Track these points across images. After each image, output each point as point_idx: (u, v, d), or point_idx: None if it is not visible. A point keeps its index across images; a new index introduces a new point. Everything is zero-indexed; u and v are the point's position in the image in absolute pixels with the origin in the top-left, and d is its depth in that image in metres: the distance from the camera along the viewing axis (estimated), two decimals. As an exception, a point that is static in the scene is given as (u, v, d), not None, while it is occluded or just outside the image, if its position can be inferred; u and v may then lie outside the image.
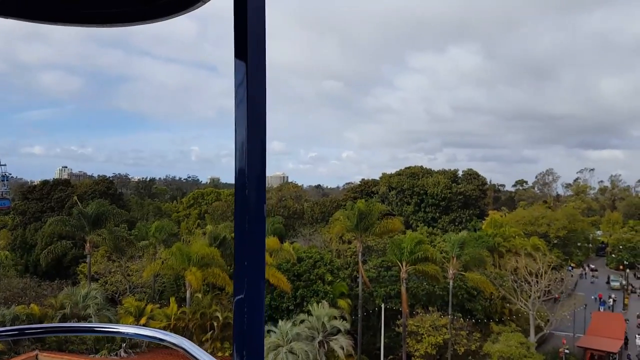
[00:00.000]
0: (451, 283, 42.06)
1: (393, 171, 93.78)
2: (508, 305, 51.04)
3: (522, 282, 45.45)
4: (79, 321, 38.31)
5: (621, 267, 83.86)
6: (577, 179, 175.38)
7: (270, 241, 41.32)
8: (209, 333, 38.00)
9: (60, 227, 52.95)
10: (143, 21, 1.57)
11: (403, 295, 41.81)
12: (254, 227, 1.19)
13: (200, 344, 40.53)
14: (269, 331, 36.96)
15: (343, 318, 40.39)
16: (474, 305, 49.15)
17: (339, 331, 38.63)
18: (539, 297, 44.33)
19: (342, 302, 43.70)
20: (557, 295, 48.25)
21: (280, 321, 37.49)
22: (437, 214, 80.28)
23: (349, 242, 56.61)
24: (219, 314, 39.71)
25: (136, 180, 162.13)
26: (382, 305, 43.80)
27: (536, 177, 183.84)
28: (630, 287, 75.23)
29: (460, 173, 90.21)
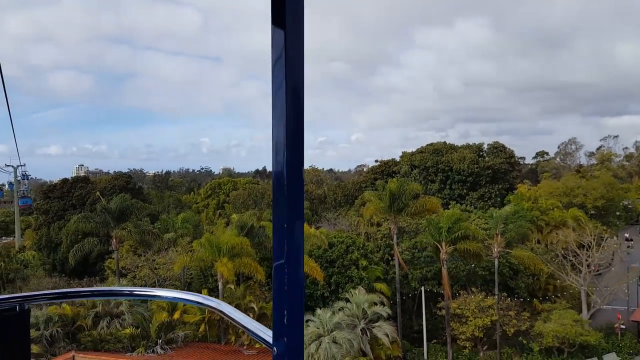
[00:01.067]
0: (496, 261, 39.91)
1: (408, 150, 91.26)
2: (552, 281, 48.82)
3: (570, 256, 43.07)
4: (112, 320, 37.32)
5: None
6: (600, 146, 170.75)
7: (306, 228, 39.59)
8: (246, 325, 36.65)
9: (85, 224, 51.96)
10: None
11: (444, 276, 39.83)
12: (293, 216, 1.19)
13: (237, 336, 39.30)
14: (307, 321, 35.43)
15: (382, 303, 38.69)
16: (517, 282, 47.12)
17: (379, 317, 36.95)
18: (590, 272, 41.97)
19: (380, 286, 41.92)
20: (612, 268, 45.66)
21: (318, 309, 35.88)
22: (465, 191, 77.66)
23: (378, 225, 54.64)
24: (254, 305, 38.32)
25: (152, 174, 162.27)
26: (422, 288, 41.93)
27: (558, 147, 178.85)
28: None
29: (485, 147, 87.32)
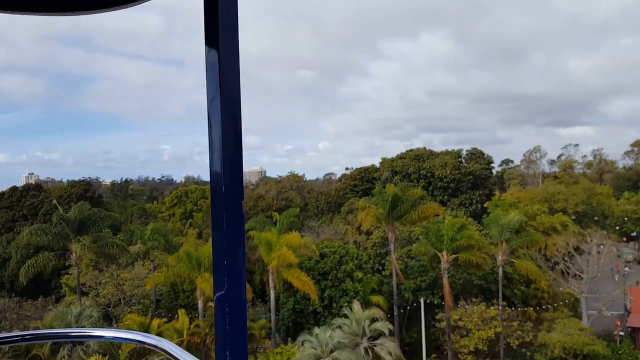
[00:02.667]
0: (500, 270, 37.41)
1: (386, 157, 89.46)
2: (546, 288, 46.93)
3: (569, 262, 41.19)
4: (74, 347, 32.20)
5: (624, 239, 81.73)
6: (560, 155, 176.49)
7: (292, 237, 35.68)
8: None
9: (39, 237, 45.97)
10: (107, 8, 1.50)
11: (446, 287, 36.95)
12: (232, 221, 1.15)
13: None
14: (303, 341, 31.63)
15: (380, 318, 35.34)
16: (513, 291, 44.95)
17: (379, 334, 33.54)
18: (591, 278, 40.17)
19: (377, 299, 38.61)
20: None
21: (316, 329, 32.08)
22: (446, 197, 75.80)
23: (368, 233, 51.44)
24: (240, 325, 34.05)
25: (109, 182, 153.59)
26: (422, 300, 38.88)
27: (524, 155, 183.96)
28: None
29: (464, 153, 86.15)
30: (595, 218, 70.43)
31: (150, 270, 43.82)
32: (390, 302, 40.53)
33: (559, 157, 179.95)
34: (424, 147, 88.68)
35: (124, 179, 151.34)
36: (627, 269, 70.78)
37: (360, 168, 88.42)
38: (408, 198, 38.60)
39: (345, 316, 34.37)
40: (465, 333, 37.42)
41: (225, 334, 1.15)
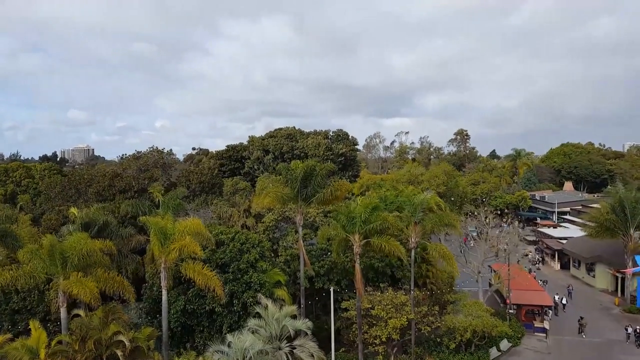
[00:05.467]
0: (413, 253, 35.96)
1: (222, 140, 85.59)
2: (430, 268, 47.83)
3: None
4: None
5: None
6: (393, 141, 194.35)
7: (192, 223, 28.70)
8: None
9: None
10: None
11: (357, 273, 34.01)
12: None
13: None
14: (216, 351, 25.58)
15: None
16: (404, 272, 44.60)
17: (297, 333, 29.22)
18: (486, 257, 41.51)
19: (281, 292, 34.03)
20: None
21: (228, 336, 26.18)
22: (320, 178, 74.01)
23: (258, 216, 46.13)
24: (123, 337, 26.31)
25: None
26: (332, 289, 35.50)
27: (366, 140, 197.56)
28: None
29: (331, 133, 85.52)
30: (452, 198, 76.44)
31: None
32: (292, 294, 36.41)
33: (391, 143, 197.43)
34: (294, 127, 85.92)
35: None
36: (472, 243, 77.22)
37: (229, 146, 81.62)
38: (319, 176, 34.52)
39: (258, 315, 29.16)
40: (375, 322, 35.23)
41: None
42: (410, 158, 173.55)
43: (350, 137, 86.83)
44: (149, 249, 36.34)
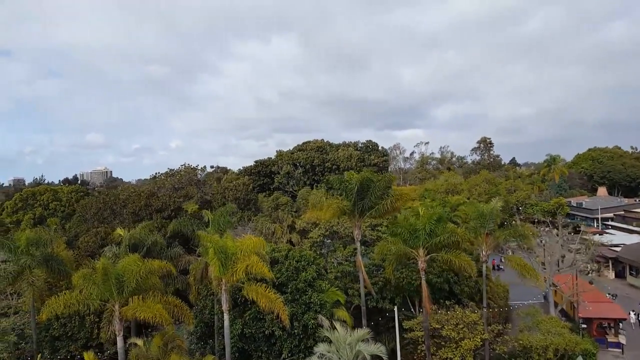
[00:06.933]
0: (484, 268, 33.18)
1: (234, 158, 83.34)
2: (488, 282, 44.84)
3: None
4: None
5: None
6: (412, 152, 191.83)
7: (255, 241, 26.35)
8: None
9: None
10: None
11: (424, 291, 31.37)
12: None
13: None
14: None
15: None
16: (462, 288, 41.72)
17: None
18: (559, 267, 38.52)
19: (342, 313, 31.50)
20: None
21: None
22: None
23: (303, 232, 43.81)
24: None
25: None
26: (395, 308, 32.83)
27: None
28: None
29: (360, 145, 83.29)
30: (501, 208, 72.94)
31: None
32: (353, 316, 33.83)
33: (411, 154, 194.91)
34: (322, 139, 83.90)
35: None
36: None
37: (257, 161, 79.66)
38: (378, 185, 32.14)
39: (328, 340, 26.59)
40: (443, 343, 32.41)
41: None
42: (432, 168, 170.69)
43: (380, 148, 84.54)
44: (195, 269, 34.23)
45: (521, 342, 32.93)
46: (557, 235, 48.35)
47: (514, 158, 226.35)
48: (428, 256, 32.10)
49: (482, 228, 32.65)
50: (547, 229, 53.17)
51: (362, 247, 42.93)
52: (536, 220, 75.33)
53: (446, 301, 36.20)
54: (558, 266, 45.38)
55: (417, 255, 31.93)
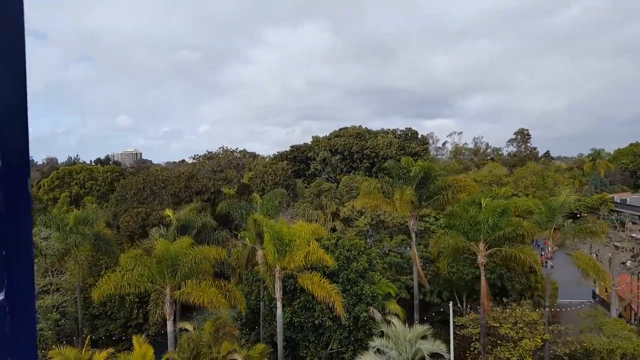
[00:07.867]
0: (548, 265, 31.12)
1: (257, 144, 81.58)
2: (540, 278, 42.62)
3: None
4: None
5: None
6: (445, 142, 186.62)
7: (313, 227, 25.07)
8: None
9: None
10: None
11: (483, 286, 29.61)
12: (14, 203, 0.92)
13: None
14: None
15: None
16: (513, 284, 39.71)
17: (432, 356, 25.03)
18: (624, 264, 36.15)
19: (393, 306, 30.05)
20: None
21: (358, 356, 22.38)
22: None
23: (346, 220, 42.35)
24: (237, 356, 23.03)
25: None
26: (450, 304, 31.13)
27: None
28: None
29: (399, 132, 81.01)
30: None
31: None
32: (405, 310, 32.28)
33: (443, 144, 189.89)
34: (360, 125, 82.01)
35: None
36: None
37: (293, 147, 78.34)
38: (441, 174, 30.31)
39: (383, 334, 25.20)
40: (499, 342, 30.64)
41: (5, 340, 0.89)
42: (466, 159, 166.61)
43: (420, 136, 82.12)
44: (239, 253, 33.29)
45: (584, 344, 30.88)
46: (623, 232, 45.55)
47: (548, 151, 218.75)
48: (489, 250, 30.24)
49: (549, 222, 30.48)
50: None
51: (409, 238, 41.32)
52: (579, 215, 72.02)
53: (503, 298, 34.30)
54: (623, 265, 42.80)
55: (477, 249, 30.12)
